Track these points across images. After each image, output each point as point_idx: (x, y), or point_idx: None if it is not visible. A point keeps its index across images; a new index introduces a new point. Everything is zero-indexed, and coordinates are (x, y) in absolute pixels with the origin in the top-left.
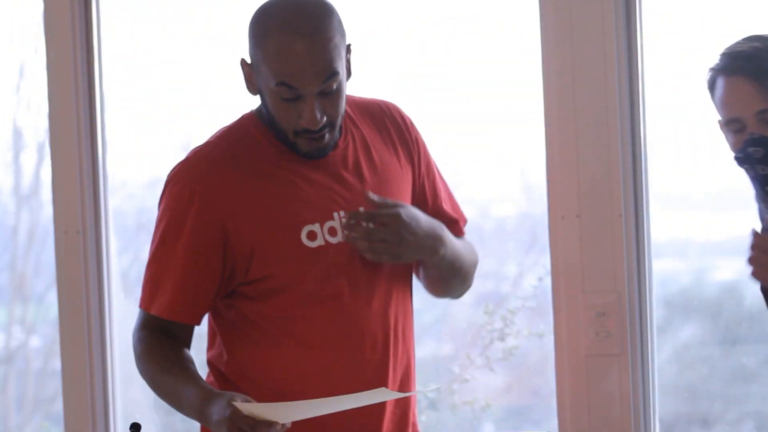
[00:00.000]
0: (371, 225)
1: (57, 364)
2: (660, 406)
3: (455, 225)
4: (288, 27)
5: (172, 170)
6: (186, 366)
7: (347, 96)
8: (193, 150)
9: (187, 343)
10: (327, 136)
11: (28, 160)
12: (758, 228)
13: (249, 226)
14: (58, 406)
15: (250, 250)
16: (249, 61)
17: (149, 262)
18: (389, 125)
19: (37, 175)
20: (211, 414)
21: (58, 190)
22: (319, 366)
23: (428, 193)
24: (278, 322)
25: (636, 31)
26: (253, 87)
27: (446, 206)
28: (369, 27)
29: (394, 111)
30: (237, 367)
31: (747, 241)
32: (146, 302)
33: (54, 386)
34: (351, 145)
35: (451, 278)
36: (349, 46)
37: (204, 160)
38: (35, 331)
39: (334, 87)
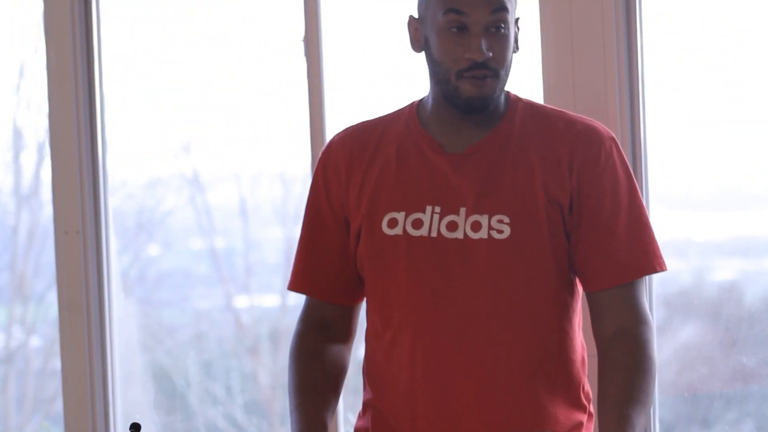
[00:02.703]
0: None
1: (57, 364)
2: (660, 406)
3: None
4: None
5: None
6: (311, 396)
7: (559, 110)
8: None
9: (344, 335)
10: (490, 83)
11: (28, 160)
12: None
13: (354, 200)
14: (58, 406)
15: (348, 222)
16: (417, 16)
17: None
18: (558, 147)
19: (37, 175)
20: None
21: (58, 190)
22: (380, 357)
23: (577, 236)
24: (368, 299)
25: (636, 31)
26: (417, 43)
27: (602, 263)
28: (368, 29)
29: (576, 135)
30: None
31: (746, 241)
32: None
33: (54, 386)
34: (495, 145)
35: None
36: (517, 19)
37: (342, 135)
38: (35, 331)
39: (503, 25)
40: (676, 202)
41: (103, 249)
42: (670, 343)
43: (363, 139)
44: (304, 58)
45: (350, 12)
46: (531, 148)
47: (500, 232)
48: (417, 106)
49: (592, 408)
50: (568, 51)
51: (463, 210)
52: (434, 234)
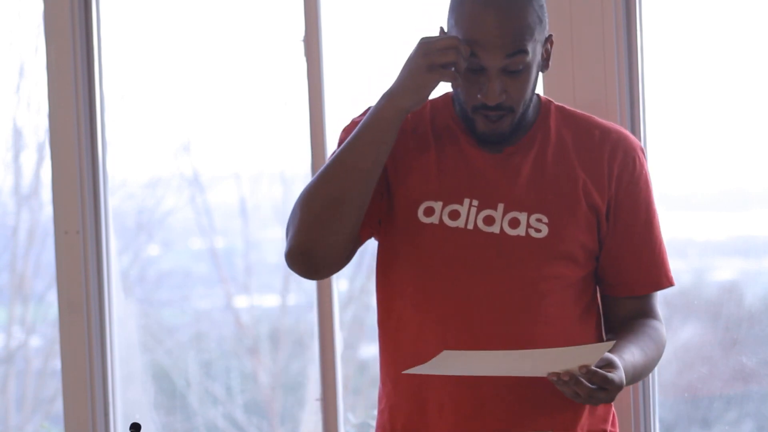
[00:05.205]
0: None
1: (57, 364)
2: (660, 406)
3: (636, 290)
4: None
5: None
6: None
7: (588, 115)
8: None
9: None
10: (505, 120)
11: (28, 160)
12: None
13: (396, 178)
14: (58, 406)
15: (388, 198)
16: (446, 29)
17: None
18: (596, 154)
19: (37, 175)
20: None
21: (58, 190)
22: (407, 348)
23: (611, 244)
24: (388, 281)
25: (636, 31)
26: None
27: (635, 272)
28: (368, 29)
29: (614, 145)
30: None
31: (746, 241)
32: None
33: (54, 386)
34: (533, 147)
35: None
36: (549, 36)
37: None
38: (35, 331)
39: (520, 67)
40: (676, 202)
41: (103, 249)
42: (670, 343)
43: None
44: (304, 58)
45: (350, 12)
46: (571, 153)
47: (538, 231)
48: (452, 98)
49: (614, 409)
50: (568, 51)
51: (500, 206)
52: (470, 226)
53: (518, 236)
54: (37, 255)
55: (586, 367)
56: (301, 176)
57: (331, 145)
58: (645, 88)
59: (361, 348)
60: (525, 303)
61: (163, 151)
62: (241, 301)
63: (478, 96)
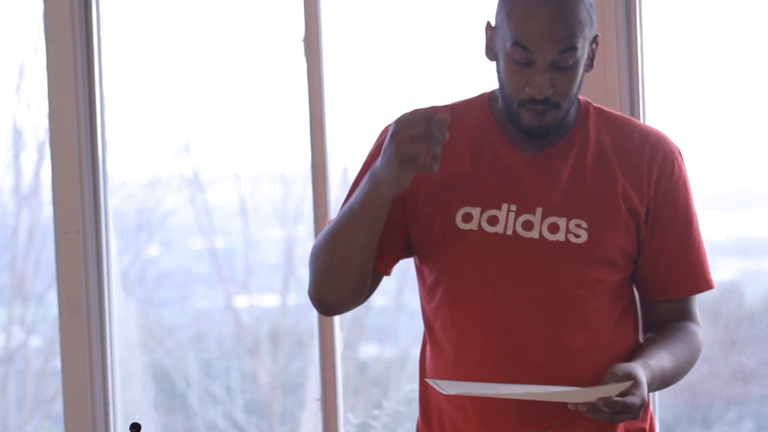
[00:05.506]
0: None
1: (57, 364)
2: (660, 406)
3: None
4: None
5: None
6: None
7: (626, 117)
8: None
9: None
10: (550, 115)
11: (28, 160)
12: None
13: (425, 187)
14: (58, 406)
15: (418, 209)
16: (494, 24)
17: None
18: (635, 158)
19: (37, 175)
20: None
21: (58, 190)
22: (449, 354)
23: (650, 247)
24: (431, 287)
25: (636, 31)
26: (491, 51)
27: (673, 275)
28: (368, 29)
29: (653, 148)
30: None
31: (746, 241)
32: None
33: (54, 386)
34: (572, 149)
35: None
36: (596, 36)
37: (413, 114)
38: (35, 331)
39: (570, 63)
40: None
41: (103, 249)
42: None
43: None
44: (304, 58)
45: (350, 12)
46: (610, 157)
47: (577, 236)
48: (488, 100)
49: (651, 409)
50: None
51: (539, 210)
52: (509, 232)
53: (558, 242)
54: (37, 255)
55: (604, 399)
56: (301, 176)
57: (331, 146)
58: (645, 88)
59: (361, 348)
60: (565, 308)
61: (163, 151)
62: (241, 301)
63: (526, 89)
